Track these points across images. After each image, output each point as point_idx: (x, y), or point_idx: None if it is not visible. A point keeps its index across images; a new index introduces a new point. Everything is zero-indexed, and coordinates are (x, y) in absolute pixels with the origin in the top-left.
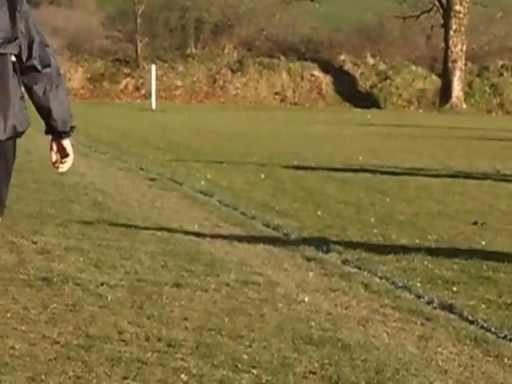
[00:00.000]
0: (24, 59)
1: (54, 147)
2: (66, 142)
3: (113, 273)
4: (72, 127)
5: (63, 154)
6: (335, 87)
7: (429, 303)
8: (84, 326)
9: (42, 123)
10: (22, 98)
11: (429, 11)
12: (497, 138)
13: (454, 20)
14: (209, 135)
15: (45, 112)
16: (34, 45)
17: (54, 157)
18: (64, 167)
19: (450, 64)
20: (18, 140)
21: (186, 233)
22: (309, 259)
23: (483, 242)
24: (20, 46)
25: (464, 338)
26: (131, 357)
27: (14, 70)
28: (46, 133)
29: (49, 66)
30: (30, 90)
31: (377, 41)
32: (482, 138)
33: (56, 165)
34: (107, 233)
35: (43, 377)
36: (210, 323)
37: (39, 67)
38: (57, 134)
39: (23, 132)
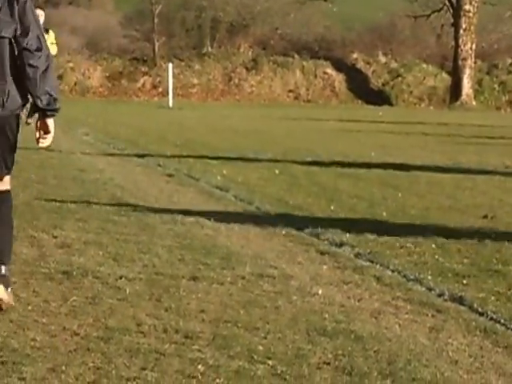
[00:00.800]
0: (20, 42)
1: (39, 124)
2: (50, 121)
3: (131, 266)
4: (56, 109)
5: (46, 130)
6: (348, 85)
7: (440, 295)
8: (103, 318)
9: (62, 120)
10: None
11: (439, 10)
12: (506, 135)
13: (463, 19)
14: (224, 132)
15: (33, 89)
16: (30, 31)
17: (38, 133)
18: (45, 143)
19: (460, 62)
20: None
21: (203, 227)
22: (322, 253)
23: (493, 236)
24: (16, 31)
25: (474, 330)
26: (149, 348)
27: (11, 52)
28: (34, 111)
29: (40, 50)
30: (23, 70)
31: (388, 39)
32: (492, 134)
33: (38, 140)
34: (126, 227)
35: (63, 368)
36: (226, 315)
37: (32, 49)
38: (42, 112)
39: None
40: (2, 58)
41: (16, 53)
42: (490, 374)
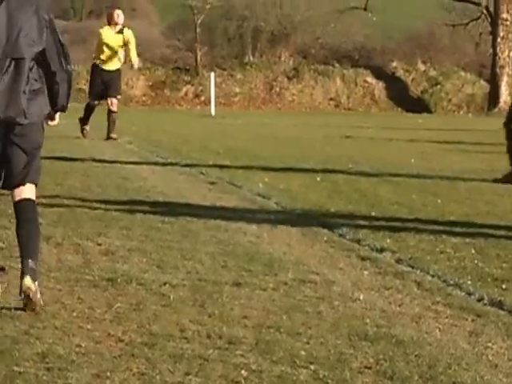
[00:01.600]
0: (44, 61)
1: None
2: (57, 114)
3: (175, 273)
4: (65, 107)
5: (53, 119)
6: (388, 93)
7: (479, 300)
8: (147, 324)
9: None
10: (39, 92)
11: (477, 19)
12: None
13: (501, 27)
14: (266, 140)
15: (55, 100)
16: (53, 52)
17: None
18: (52, 124)
19: (497, 70)
20: (83, 147)
21: (245, 234)
22: (363, 258)
23: None
24: (40, 52)
25: None
26: (193, 354)
27: (34, 70)
28: (52, 108)
29: (61, 68)
30: (47, 85)
31: (427, 48)
32: None
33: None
34: (169, 234)
35: (108, 374)
36: (269, 321)
37: (55, 68)
38: (55, 110)
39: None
40: (20, 76)
41: (41, 70)
42: None
